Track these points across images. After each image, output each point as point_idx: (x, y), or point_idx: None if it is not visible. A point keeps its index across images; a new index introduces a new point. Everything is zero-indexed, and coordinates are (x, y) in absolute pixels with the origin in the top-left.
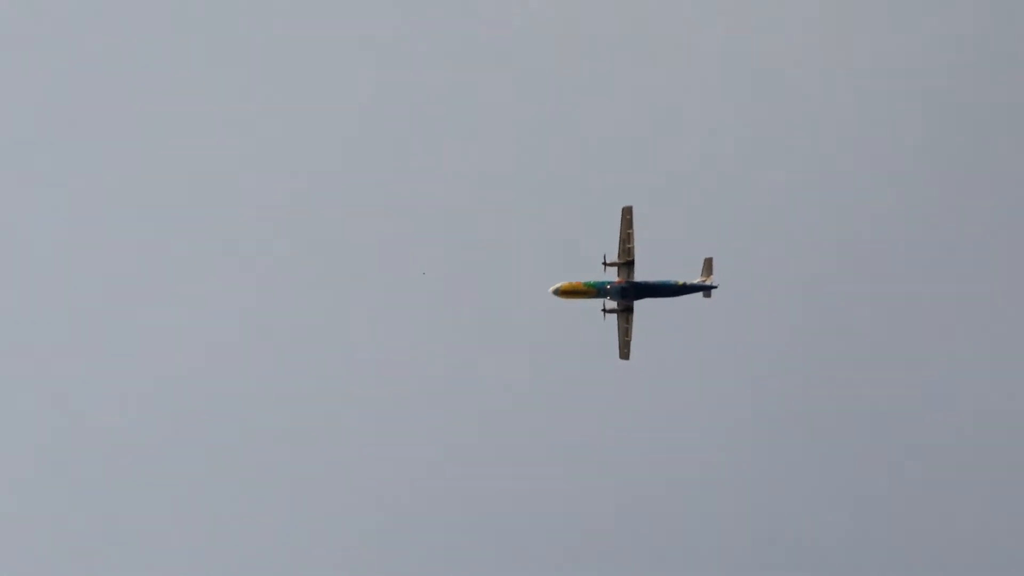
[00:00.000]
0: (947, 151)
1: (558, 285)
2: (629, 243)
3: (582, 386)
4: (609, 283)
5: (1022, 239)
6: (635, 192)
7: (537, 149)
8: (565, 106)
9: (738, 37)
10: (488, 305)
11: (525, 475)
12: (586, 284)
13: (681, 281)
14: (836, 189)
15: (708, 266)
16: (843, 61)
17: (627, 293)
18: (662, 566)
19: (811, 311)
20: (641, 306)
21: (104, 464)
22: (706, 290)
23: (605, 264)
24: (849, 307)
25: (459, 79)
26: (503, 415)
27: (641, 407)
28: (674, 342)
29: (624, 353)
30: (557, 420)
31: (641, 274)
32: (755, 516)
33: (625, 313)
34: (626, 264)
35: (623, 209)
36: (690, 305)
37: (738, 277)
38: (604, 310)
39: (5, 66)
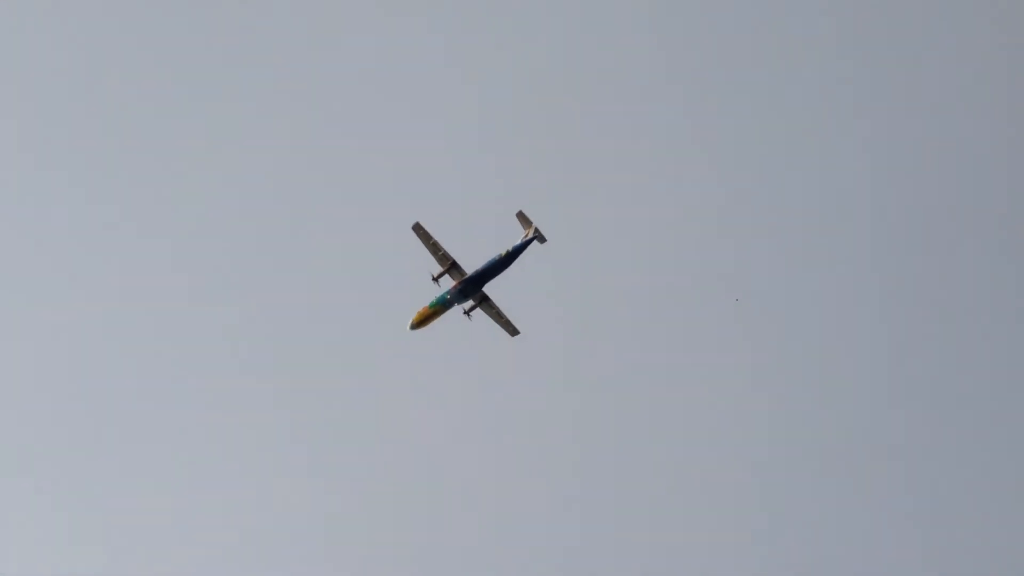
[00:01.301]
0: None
1: (410, 320)
2: (440, 251)
3: (514, 380)
4: (448, 292)
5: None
6: (417, 204)
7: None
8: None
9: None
10: (377, 363)
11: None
12: (431, 305)
13: (504, 251)
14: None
15: (523, 220)
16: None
17: (467, 291)
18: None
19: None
20: (495, 288)
21: None
22: (537, 239)
23: (435, 279)
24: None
25: None
26: (477, 434)
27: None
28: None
29: (512, 330)
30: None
31: (471, 265)
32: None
33: (483, 304)
34: (452, 267)
35: (413, 228)
36: (533, 262)
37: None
38: (465, 312)
39: None
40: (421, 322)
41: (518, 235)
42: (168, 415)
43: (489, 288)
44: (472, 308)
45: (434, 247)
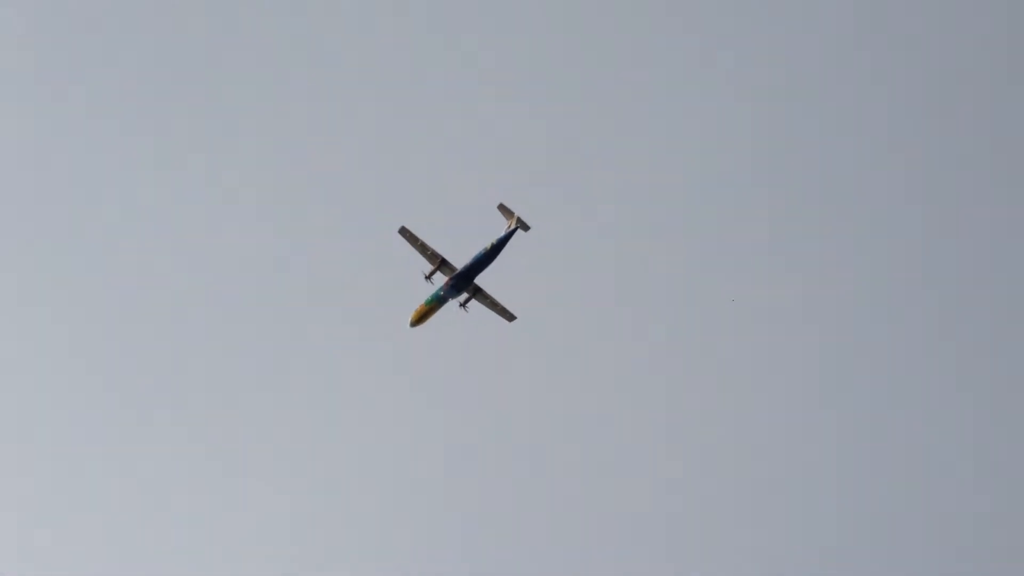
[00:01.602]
0: None
1: (409, 319)
2: (428, 250)
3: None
4: (441, 289)
5: None
6: (397, 207)
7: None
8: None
9: None
10: (393, 360)
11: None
12: (427, 302)
13: (489, 244)
14: None
15: (505, 212)
16: None
17: (459, 285)
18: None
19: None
20: (486, 279)
21: None
22: (520, 228)
23: (427, 277)
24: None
25: None
26: (495, 423)
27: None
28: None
29: (508, 316)
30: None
31: (460, 261)
32: None
33: (478, 295)
34: (442, 264)
35: (399, 231)
36: (519, 250)
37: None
38: (461, 305)
39: None
40: (420, 319)
41: (501, 227)
42: (166, 417)
43: (480, 279)
44: (467, 301)
45: (422, 247)
